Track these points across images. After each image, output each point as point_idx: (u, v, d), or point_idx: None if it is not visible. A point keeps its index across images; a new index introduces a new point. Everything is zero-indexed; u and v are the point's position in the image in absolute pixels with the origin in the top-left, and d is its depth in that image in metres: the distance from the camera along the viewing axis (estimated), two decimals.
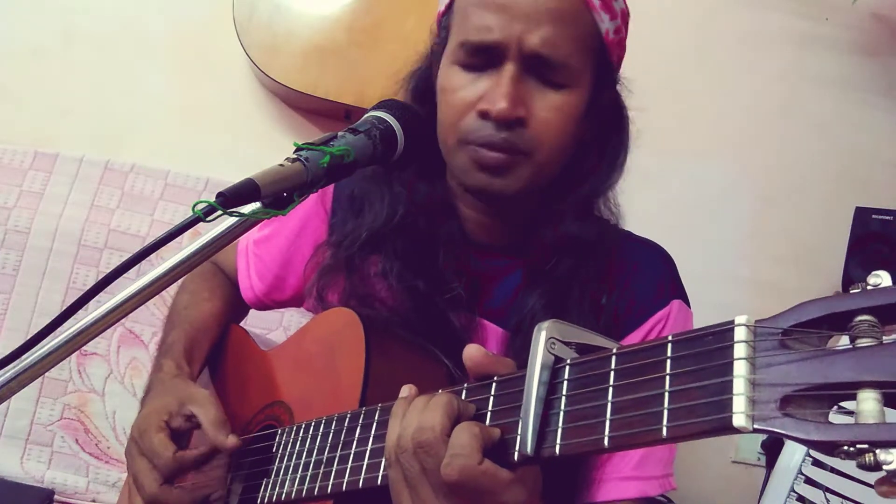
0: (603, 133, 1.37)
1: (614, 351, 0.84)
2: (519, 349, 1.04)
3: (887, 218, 2.30)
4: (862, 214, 2.35)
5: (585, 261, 1.32)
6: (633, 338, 1.34)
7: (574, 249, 1.33)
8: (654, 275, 1.40)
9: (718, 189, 2.66)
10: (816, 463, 1.84)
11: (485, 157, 1.25)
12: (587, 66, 1.29)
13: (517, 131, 1.24)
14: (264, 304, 1.60)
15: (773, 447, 2.01)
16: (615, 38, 1.31)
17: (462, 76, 1.28)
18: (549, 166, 1.30)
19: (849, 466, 1.70)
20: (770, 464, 1.99)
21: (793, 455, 1.88)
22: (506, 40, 1.23)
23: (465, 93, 1.27)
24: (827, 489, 1.82)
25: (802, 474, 1.86)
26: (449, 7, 1.35)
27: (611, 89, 1.37)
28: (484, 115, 1.24)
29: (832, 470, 1.82)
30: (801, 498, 1.85)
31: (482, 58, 1.26)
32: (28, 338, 0.94)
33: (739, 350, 0.70)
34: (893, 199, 2.48)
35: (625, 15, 1.33)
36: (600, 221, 1.39)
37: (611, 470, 1.29)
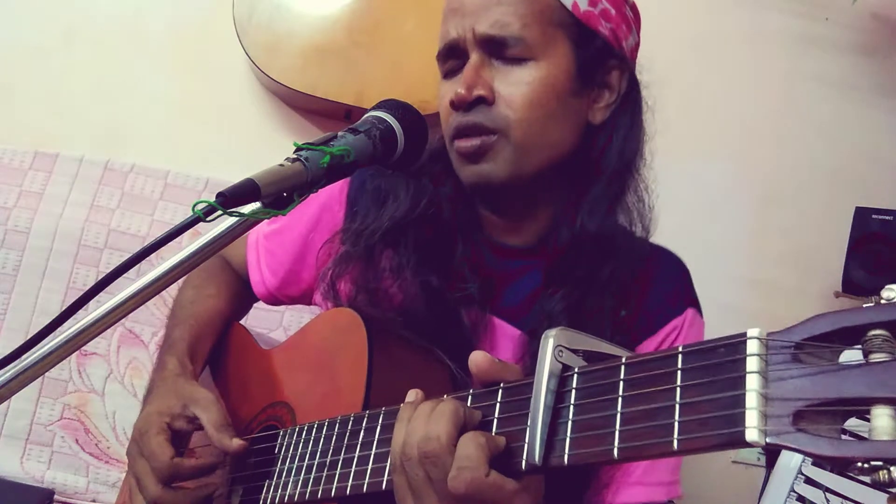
0: (615, 116, 1.38)
1: (624, 360, 0.83)
2: (531, 368, 1.05)
3: (887, 218, 2.30)
4: (862, 214, 2.35)
5: (605, 262, 1.33)
6: (648, 345, 1.36)
7: (593, 248, 1.33)
8: (670, 283, 1.41)
9: (718, 189, 2.66)
10: (816, 463, 1.84)
11: (461, 147, 1.31)
12: (554, 37, 1.31)
13: (482, 111, 1.29)
14: (276, 299, 1.60)
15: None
16: (592, 10, 1.33)
17: (445, 85, 1.37)
18: (535, 143, 1.31)
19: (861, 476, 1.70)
20: (770, 464, 1.99)
21: (792, 455, 1.89)
22: (461, 35, 1.31)
23: (445, 97, 1.34)
24: (827, 489, 1.82)
25: (802, 474, 1.86)
26: None
27: (613, 61, 1.37)
28: (453, 105, 1.30)
29: (832, 470, 1.83)
30: (801, 498, 1.85)
31: (453, 61, 1.35)
32: (28, 338, 0.93)
33: (752, 363, 0.70)
34: (893, 199, 2.48)
35: None
36: (624, 229, 1.38)
37: (620, 474, 1.30)
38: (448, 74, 1.36)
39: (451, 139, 1.33)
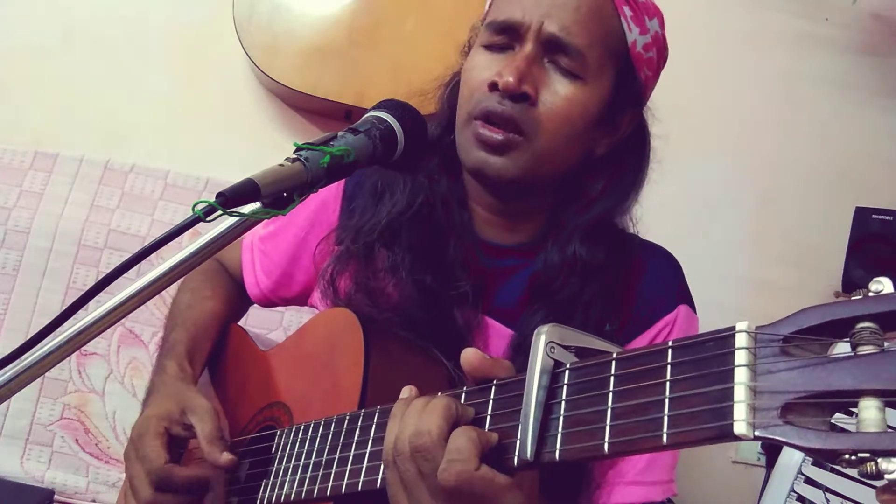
0: (621, 152, 1.38)
1: (614, 356, 0.83)
2: (521, 368, 1.06)
3: (887, 218, 2.30)
4: (862, 214, 2.35)
5: (591, 283, 1.33)
6: (640, 342, 1.35)
7: (581, 270, 1.33)
8: (662, 280, 1.40)
9: (718, 189, 2.67)
10: (816, 463, 1.84)
11: (484, 134, 1.28)
12: (606, 66, 1.31)
13: (521, 107, 1.26)
14: (270, 301, 1.60)
15: (773, 447, 2.01)
16: (644, 54, 1.33)
17: (484, 56, 1.33)
18: (550, 158, 1.30)
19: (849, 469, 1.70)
20: (770, 464, 1.99)
21: (793, 455, 1.89)
22: (527, 21, 1.28)
23: (483, 71, 1.31)
24: (827, 489, 1.82)
25: (802, 474, 1.86)
26: (490, 6, 1.39)
27: (634, 105, 1.38)
28: (492, 87, 1.27)
29: (832, 470, 1.83)
30: (801, 498, 1.85)
31: (505, 37, 1.31)
32: (28, 338, 0.93)
33: (740, 357, 0.70)
34: (893, 199, 2.48)
35: (658, 42, 1.36)
36: (610, 235, 1.38)
37: (615, 474, 1.30)
38: (492, 47, 1.33)
39: (474, 118, 1.30)
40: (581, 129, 1.31)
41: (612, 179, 1.38)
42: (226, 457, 1.26)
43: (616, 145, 1.38)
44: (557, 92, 1.28)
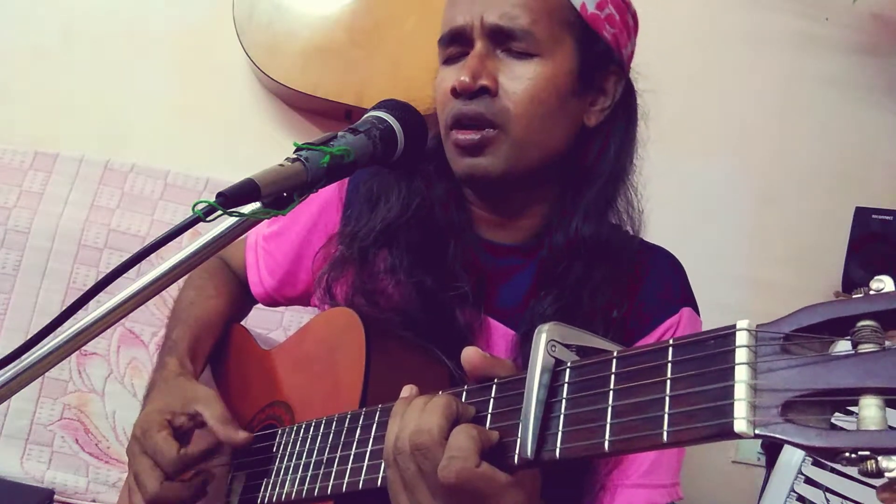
0: (611, 122, 1.39)
1: (615, 354, 0.83)
2: (523, 367, 1.06)
3: (887, 218, 2.30)
4: (862, 214, 2.35)
5: (598, 265, 1.33)
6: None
7: (587, 252, 1.33)
8: (665, 282, 1.40)
9: (718, 189, 2.66)
10: (816, 463, 1.84)
11: (460, 138, 1.30)
12: (561, 36, 1.31)
13: (484, 101, 1.28)
14: (274, 300, 1.61)
15: (773, 447, 2.01)
16: (599, 13, 1.34)
17: (444, 71, 1.35)
18: (533, 141, 1.31)
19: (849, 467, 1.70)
20: (770, 464, 1.99)
21: (793, 455, 1.88)
22: (469, 22, 1.30)
23: (444, 83, 1.33)
24: (827, 489, 1.82)
25: (802, 474, 1.86)
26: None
27: (611, 65, 1.38)
28: (454, 92, 1.29)
29: (832, 470, 1.82)
30: (801, 498, 1.85)
31: (456, 47, 1.33)
32: (28, 338, 0.93)
33: (741, 355, 0.70)
34: (893, 199, 2.48)
35: None
36: (616, 228, 1.39)
37: (618, 476, 1.29)
38: (449, 60, 1.35)
39: (449, 128, 1.31)
40: (555, 104, 1.31)
41: (603, 145, 1.38)
42: (242, 434, 1.27)
43: (609, 113, 1.38)
44: (517, 75, 1.29)
